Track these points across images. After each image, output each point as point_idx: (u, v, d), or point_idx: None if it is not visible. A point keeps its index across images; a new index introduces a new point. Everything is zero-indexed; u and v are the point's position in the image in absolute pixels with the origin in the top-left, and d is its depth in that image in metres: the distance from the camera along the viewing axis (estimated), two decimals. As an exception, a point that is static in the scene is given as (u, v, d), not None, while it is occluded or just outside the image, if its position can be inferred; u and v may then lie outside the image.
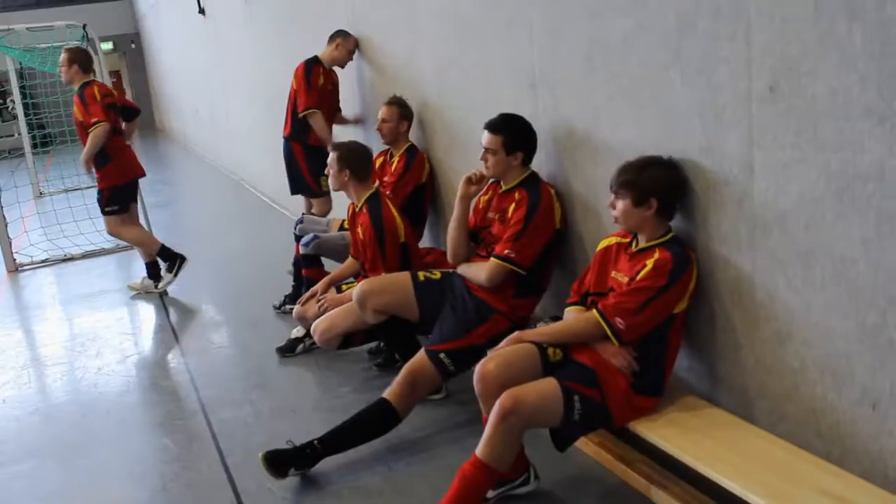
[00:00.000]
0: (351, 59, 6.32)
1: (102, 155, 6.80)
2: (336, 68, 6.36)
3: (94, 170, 6.92)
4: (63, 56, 6.90)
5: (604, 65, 3.43)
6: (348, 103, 6.66)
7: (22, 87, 13.90)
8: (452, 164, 5.11)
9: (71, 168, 12.77)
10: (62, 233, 9.46)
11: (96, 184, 7.01)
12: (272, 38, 9.19)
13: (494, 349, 3.27)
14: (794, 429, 2.80)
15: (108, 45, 23.57)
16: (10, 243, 8.90)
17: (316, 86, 6.17)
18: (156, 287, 7.27)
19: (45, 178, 14.07)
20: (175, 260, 7.22)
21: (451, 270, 4.24)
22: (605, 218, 3.52)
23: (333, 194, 6.21)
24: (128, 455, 4.31)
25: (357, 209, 4.77)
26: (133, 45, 24.89)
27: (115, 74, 24.31)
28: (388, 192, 5.00)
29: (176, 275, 7.22)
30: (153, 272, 7.29)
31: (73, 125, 12.44)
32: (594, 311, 3.09)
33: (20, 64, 13.37)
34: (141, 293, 7.31)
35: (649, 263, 2.99)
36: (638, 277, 3.01)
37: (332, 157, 4.72)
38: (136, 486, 3.95)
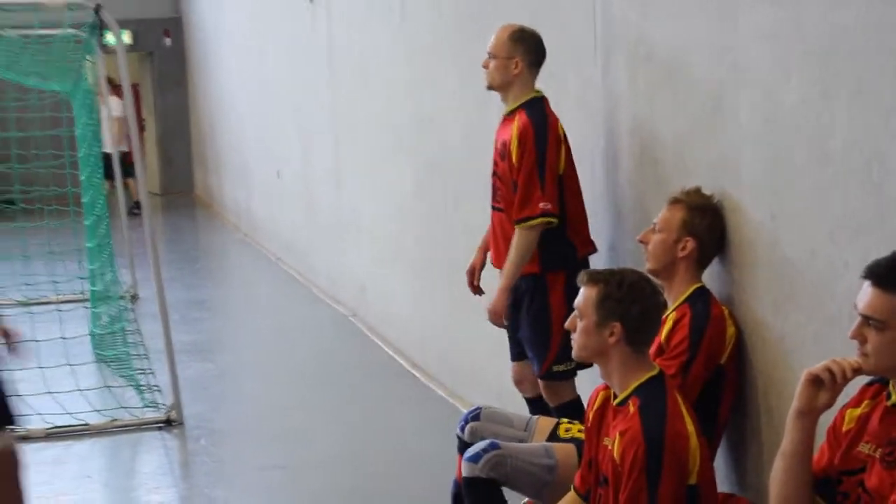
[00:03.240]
0: None
1: None
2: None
3: None
4: None
5: None
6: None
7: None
8: (785, 334, 4.93)
9: (37, 260, 13.25)
10: (14, 388, 8.73)
11: None
12: (433, 52, 9.31)
13: None
14: None
15: (124, 38, 23.35)
16: None
17: None
18: None
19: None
20: None
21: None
22: None
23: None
24: None
25: (617, 401, 4.67)
26: (168, 42, 25.55)
27: (134, 90, 23.87)
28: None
29: None
30: None
31: (47, 181, 12.63)
32: None
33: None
34: None
35: None
36: None
37: (589, 293, 4.59)
38: None
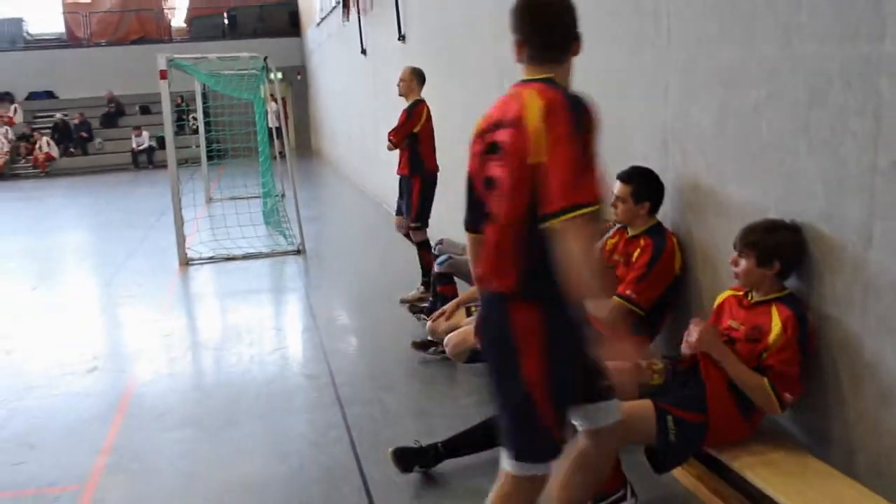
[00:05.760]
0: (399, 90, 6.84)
1: None
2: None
3: None
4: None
5: (734, 129, 3.40)
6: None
7: (204, 107, 14.69)
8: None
9: (238, 179, 13.38)
10: (227, 235, 9.89)
11: None
12: (427, 80, 9.33)
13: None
14: (892, 485, 2.71)
15: (278, 75, 24.12)
16: (184, 240, 9.32)
17: None
18: None
19: (216, 186, 14.66)
20: None
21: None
22: (722, 269, 3.47)
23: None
24: (272, 435, 4.50)
25: None
26: (299, 77, 25.49)
27: (282, 100, 24.87)
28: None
29: None
30: None
31: (243, 141, 13.41)
32: (765, 381, 2.99)
33: (204, 86, 14.06)
34: None
35: (776, 327, 2.97)
36: (773, 342, 2.97)
37: None
38: (278, 463, 4.12)
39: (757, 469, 2.95)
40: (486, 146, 2.50)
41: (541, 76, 2.45)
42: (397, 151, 6.97)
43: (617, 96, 4.45)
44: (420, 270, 7.04)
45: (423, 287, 6.85)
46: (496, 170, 2.44)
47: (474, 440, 3.82)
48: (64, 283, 9.27)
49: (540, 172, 2.27)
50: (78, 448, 4.42)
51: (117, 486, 3.97)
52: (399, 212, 7.08)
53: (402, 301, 6.90)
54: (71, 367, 5.81)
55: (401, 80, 6.80)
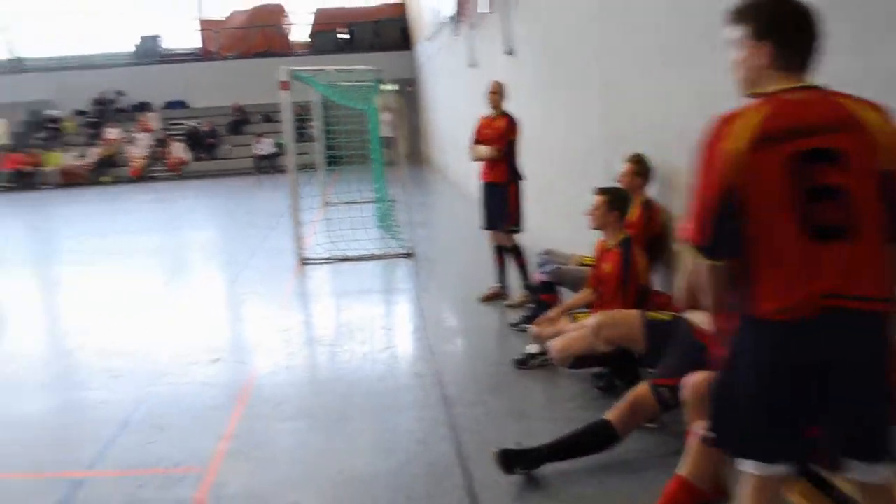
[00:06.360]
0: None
1: None
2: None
3: None
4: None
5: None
6: (595, 156, 6.69)
7: (323, 116, 14.95)
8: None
9: (353, 184, 13.53)
10: (342, 237, 9.98)
11: None
12: (533, 90, 9.26)
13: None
14: None
15: (392, 87, 24.44)
16: (302, 242, 9.53)
17: None
18: None
19: (332, 190, 14.89)
20: None
21: (679, 314, 4.15)
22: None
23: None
24: (381, 430, 4.52)
25: (608, 247, 4.82)
26: (409, 89, 25.69)
27: (395, 110, 25.18)
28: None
29: None
30: None
31: (357, 149, 13.60)
32: None
33: (323, 97, 14.32)
34: None
35: None
36: None
37: (601, 199, 4.80)
38: (385, 457, 4.13)
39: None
40: (802, 153, 2.10)
41: (814, 84, 2.21)
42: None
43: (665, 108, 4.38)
44: (502, 274, 7.21)
45: (526, 291, 6.76)
46: (838, 178, 2.10)
47: (578, 446, 3.75)
48: (193, 279, 9.64)
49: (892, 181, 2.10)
50: (202, 433, 4.56)
51: (237, 471, 4.07)
52: (492, 225, 7.01)
53: (508, 306, 6.88)
54: (197, 358, 6.01)
55: (493, 92, 6.88)
